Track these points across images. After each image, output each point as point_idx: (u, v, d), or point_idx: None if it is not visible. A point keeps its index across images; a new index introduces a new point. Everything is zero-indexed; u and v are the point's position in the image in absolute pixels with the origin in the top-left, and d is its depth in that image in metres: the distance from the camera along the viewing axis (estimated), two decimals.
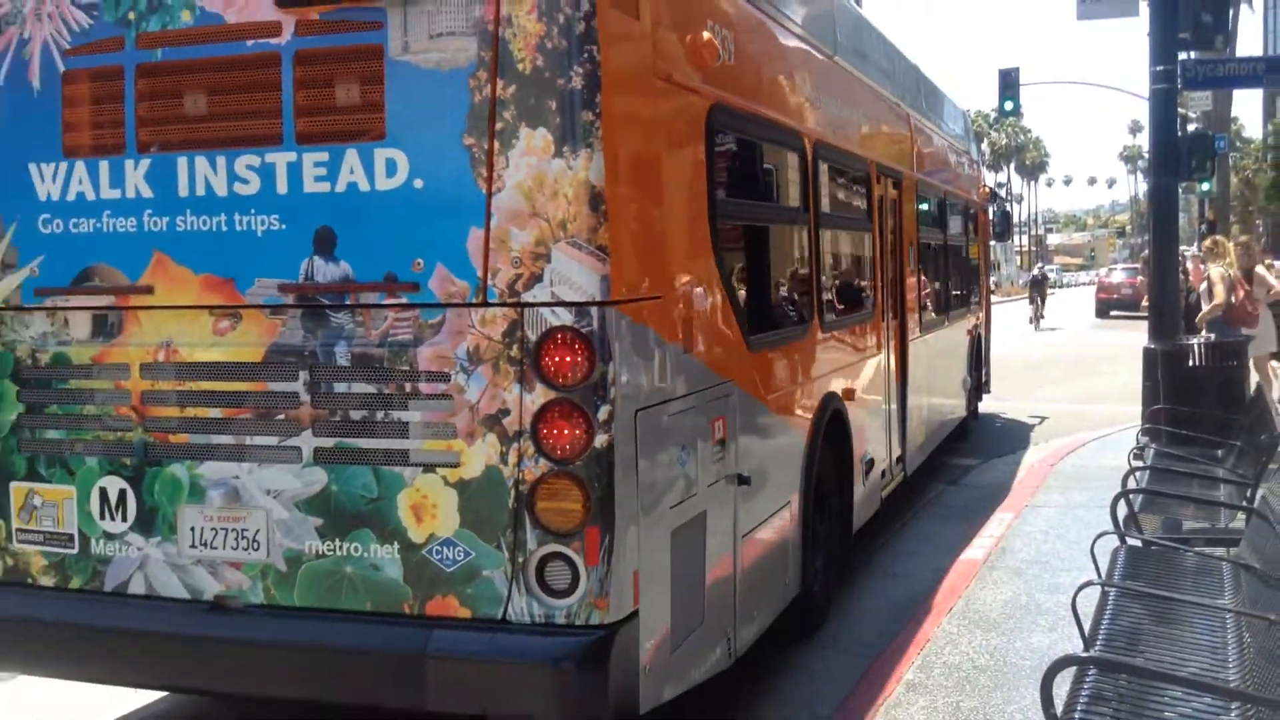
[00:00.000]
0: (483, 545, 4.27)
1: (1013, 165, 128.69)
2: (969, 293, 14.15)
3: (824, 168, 7.18)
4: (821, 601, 6.89)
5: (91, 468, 4.76)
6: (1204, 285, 12.95)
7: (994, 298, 19.14)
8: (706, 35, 5.02)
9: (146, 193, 4.62)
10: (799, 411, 6.49)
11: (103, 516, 4.74)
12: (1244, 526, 6.12)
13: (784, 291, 6.71)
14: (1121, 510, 6.25)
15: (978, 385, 14.59)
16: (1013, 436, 14.31)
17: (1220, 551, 6.04)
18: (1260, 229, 65.89)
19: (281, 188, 4.44)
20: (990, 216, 17.19)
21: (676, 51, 4.83)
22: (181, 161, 4.56)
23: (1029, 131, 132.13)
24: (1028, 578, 7.54)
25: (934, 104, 12.22)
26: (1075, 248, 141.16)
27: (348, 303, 4.40)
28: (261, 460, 4.53)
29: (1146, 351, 11.25)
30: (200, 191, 4.55)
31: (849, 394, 7.49)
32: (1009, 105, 31.94)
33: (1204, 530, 6.87)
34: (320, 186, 4.40)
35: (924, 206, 11.07)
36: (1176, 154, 11.39)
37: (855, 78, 8.39)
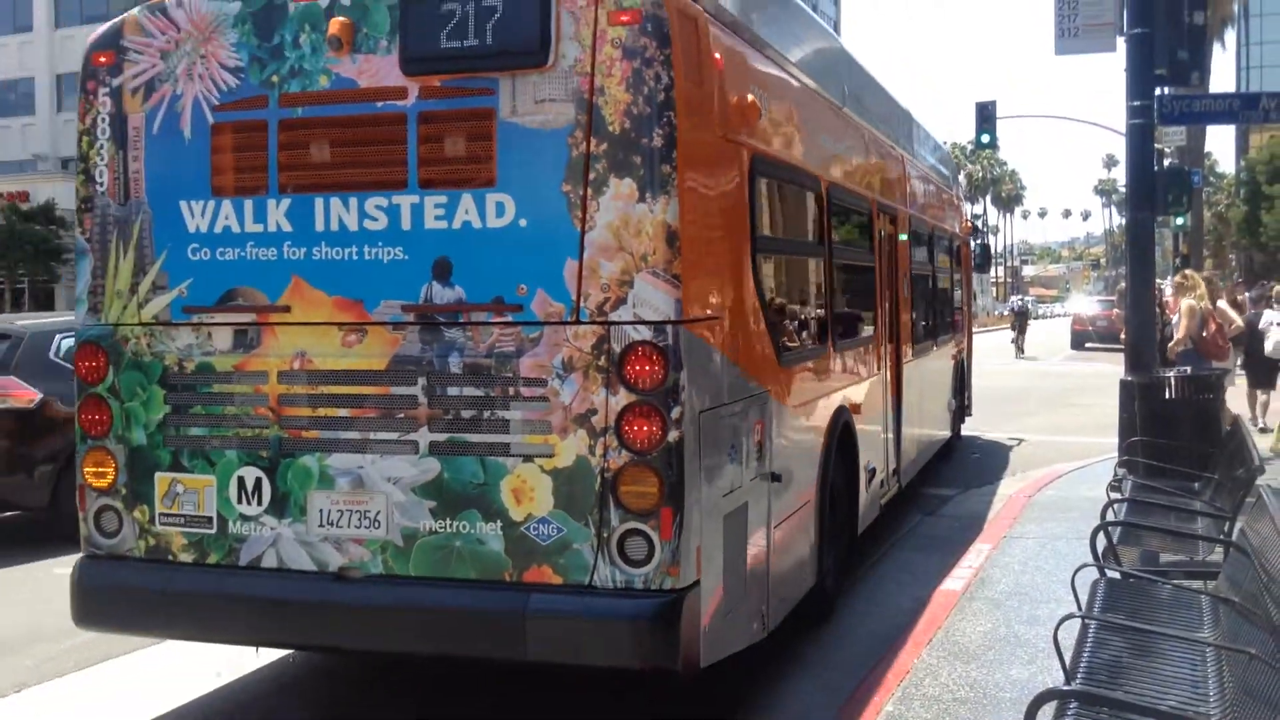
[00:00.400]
0: (573, 523, 5.10)
1: (989, 197, 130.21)
2: (954, 320, 15.08)
3: (835, 206, 8.08)
4: (832, 595, 7.69)
5: (231, 460, 5.55)
6: (1176, 317, 13.41)
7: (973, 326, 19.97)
8: (750, 97, 5.89)
9: (286, 227, 5.45)
10: (818, 420, 7.36)
11: (240, 501, 5.53)
12: (1221, 560, 6.23)
13: (804, 314, 7.58)
14: (1100, 542, 6.36)
15: (961, 407, 15.51)
16: (990, 465, 14.44)
17: (1198, 584, 6.10)
18: (1233, 263, 67.16)
19: (405, 224, 5.29)
20: (972, 249, 18.21)
21: (729, 112, 5.70)
22: (318, 201, 5.39)
23: (1005, 164, 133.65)
24: (1007, 609, 7.56)
25: (923, 145, 13.21)
26: (1050, 279, 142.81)
27: (460, 321, 5.24)
28: (383, 452, 5.33)
29: (1124, 383, 11.23)
30: (334, 227, 5.38)
31: (856, 408, 8.35)
32: (986, 138, 31.88)
33: (1182, 563, 6.90)
34: (439, 224, 5.25)
35: (915, 240, 11.95)
36: (1153, 188, 11.49)
37: (859, 125, 9.31)
